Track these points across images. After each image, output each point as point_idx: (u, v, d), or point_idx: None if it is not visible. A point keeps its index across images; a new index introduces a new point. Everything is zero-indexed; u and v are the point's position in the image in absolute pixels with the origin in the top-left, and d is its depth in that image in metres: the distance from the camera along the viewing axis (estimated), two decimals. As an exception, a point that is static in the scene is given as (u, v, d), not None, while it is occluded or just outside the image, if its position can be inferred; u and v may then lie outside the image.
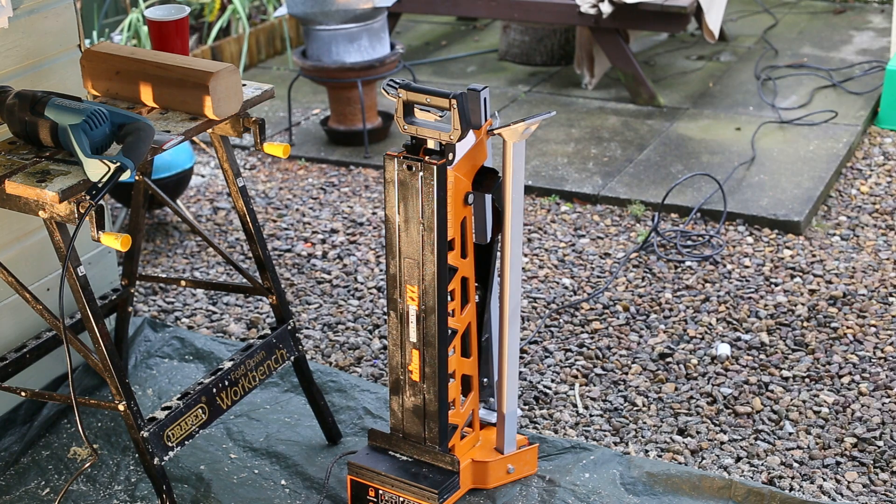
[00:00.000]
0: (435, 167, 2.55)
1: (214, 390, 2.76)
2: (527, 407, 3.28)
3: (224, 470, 3.02)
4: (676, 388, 3.35)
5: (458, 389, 2.83)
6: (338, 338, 3.65)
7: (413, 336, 2.72)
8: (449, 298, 2.70)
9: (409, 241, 2.65)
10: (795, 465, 3.02)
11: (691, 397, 3.31)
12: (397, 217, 2.64)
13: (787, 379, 3.38)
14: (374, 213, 4.46)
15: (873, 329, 3.60)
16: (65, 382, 3.30)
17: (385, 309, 3.78)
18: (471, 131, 2.61)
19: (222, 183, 4.78)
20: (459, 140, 2.56)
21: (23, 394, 2.78)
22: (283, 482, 2.98)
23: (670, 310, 3.75)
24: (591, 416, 3.24)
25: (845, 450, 3.07)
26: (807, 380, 3.37)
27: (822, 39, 6.19)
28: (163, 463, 2.61)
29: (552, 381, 3.40)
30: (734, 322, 3.66)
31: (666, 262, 4.04)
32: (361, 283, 3.96)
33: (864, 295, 3.78)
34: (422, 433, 2.79)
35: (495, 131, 2.65)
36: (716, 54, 6.04)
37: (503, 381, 2.84)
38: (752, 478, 2.97)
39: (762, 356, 3.49)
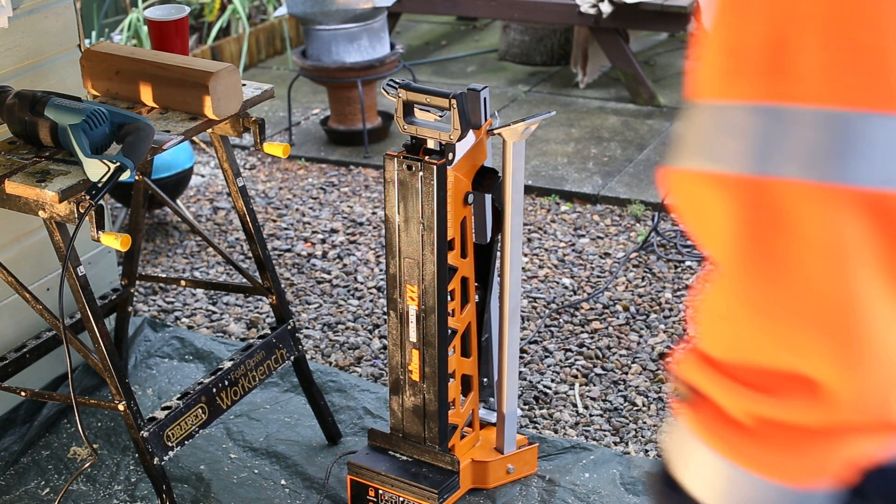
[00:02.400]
0: (435, 167, 2.55)
1: (214, 390, 2.76)
2: (527, 407, 3.28)
3: (224, 470, 3.02)
4: (676, 388, 3.35)
5: (458, 389, 2.83)
6: (338, 338, 3.65)
7: (413, 336, 2.72)
8: (449, 298, 2.70)
9: (409, 241, 2.65)
10: (795, 464, 3.01)
11: (691, 397, 3.30)
12: (397, 217, 2.64)
13: (787, 379, 3.37)
14: (374, 213, 4.46)
15: (873, 329, 3.59)
16: (65, 382, 3.30)
17: (385, 309, 3.78)
18: (471, 131, 2.61)
19: (222, 183, 4.78)
20: (459, 140, 2.56)
21: (23, 394, 2.78)
22: (283, 482, 2.98)
23: (670, 310, 3.75)
24: (591, 416, 3.24)
25: (845, 450, 3.07)
26: (807, 380, 3.37)
27: (822, 39, 6.18)
28: (163, 463, 2.61)
29: (552, 381, 3.40)
30: (734, 322, 3.66)
31: (666, 262, 4.04)
32: (361, 283, 3.96)
33: (864, 295, 3.78)
34: (422, 433, 2.79)
35: (495, 131, 2.65)
36: (716, 54, 6.04)
37: (503, 381, 2.84)
38: (752, 478, 2.96)
39: (762, 356, 3.48)
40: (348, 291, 3.92)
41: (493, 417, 2.96)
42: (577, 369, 3.44)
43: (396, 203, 2.63)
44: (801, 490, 1.01)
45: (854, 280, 0.92)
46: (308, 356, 3.48)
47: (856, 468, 1.00)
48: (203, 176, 4.86)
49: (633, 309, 3.76)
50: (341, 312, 3.79)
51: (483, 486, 2.90)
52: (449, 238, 2.65)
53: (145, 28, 5.60)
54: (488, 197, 2.73)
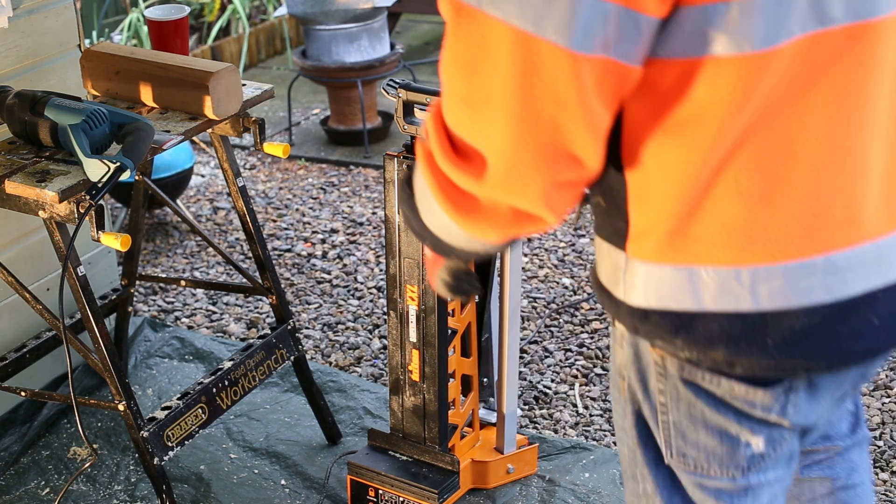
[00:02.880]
0: (435, 167, 2.55)
1: (214, 390, 2.76)
2: (527, 407, 3.28)
3: (224, 470, 3.02)
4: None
5: (458, 389, 2.83)
6: (338, 338, 3.65)
7: (413, 336, 2.72)
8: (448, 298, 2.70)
9: (409, 241, 2.65)
10: (795, 464, 3.01)
11: (691, 397, 3.30)
12: (397, 217, 2.64)
13: (787, 379, 3.37)
14: (374, 213, 4.46)
15: (873, 329, 3.59)
16: (65, 382, 3.30)
17: (385, 309, 3.78)
18: (471, 131, 2.61)
19: (222, 183, 4.78)
20: (459, 140, 2.56)
21: (23, 394, 2.78)
22: (283, 482, 2.98)
23: (670, 310, 3.75)
24: (591, 416, 3.24)
25: (845, 450, 3.07)
26: (807, 380, 3.37)
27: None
28: (163, 463, 2.61)
29: (552, 381, 3.40)
30: (734, 322, 3.66)
31: (666, 262, 4.04)
32: (361, 283, 3.96)
33: (864, 295, 3.78)
34: (422, 433, 2.79)
35: (495, 131, 2.66)
36: (716, 54, 6.03)
37: (503, 381, 2.84)
38: (752, 478, 2.96)
39: (762, 356, 3.48)
40: (348, 291, 3.92)
41: (493, 417, 2.96)
42: (577, 369, 3.44)
43: (396, 203, 2.63)
44: (481, 241, 1.47)
45: (537, 102, 1.29)
46: (308, 356, 3.48)
47: (513, 237, 1.46)
48: (203, 176, 4.86)
49: (633, 309, 3.75)
50: (341, 312, 3.79)
51: (483, 486, 2.90)
52: (449, 238, 2.65)
53: (145, 28, 5.61)
54: (488, 197, 2.73)
